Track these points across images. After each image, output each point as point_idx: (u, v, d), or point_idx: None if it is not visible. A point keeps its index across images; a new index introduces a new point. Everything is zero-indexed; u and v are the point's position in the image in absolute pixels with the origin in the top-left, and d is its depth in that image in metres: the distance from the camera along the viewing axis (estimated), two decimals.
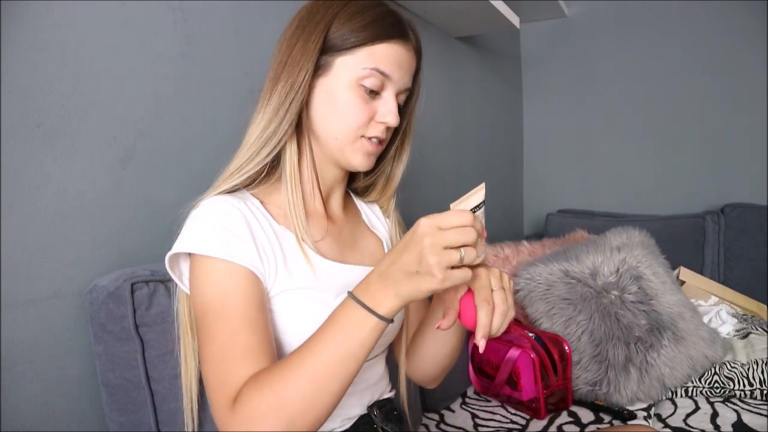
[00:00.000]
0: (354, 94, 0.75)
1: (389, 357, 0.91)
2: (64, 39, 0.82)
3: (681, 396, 1.46)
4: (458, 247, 0.58)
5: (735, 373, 1.45)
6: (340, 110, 0.76)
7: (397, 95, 0.78)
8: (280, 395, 0.60)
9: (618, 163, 2.54)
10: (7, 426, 0.75)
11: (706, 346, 1.48)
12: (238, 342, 0.66)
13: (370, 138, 0.77)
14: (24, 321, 0.78)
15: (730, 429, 1.28)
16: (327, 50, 0.75)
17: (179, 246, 0.71)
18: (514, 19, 1.92)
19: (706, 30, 2.34)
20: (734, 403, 1.40)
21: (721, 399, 1.43)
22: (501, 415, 1.42)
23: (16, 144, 0.77)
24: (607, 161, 2.56)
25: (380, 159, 0.87)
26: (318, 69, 0.76)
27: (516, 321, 1.54)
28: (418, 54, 0.80)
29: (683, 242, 2.15)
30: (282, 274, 0.73)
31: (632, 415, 1.35)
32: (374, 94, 0.76)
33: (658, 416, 1.38)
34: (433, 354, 0.87)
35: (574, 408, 1.42)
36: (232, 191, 0.76)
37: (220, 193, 0.75)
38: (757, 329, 1.69)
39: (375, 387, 0.84)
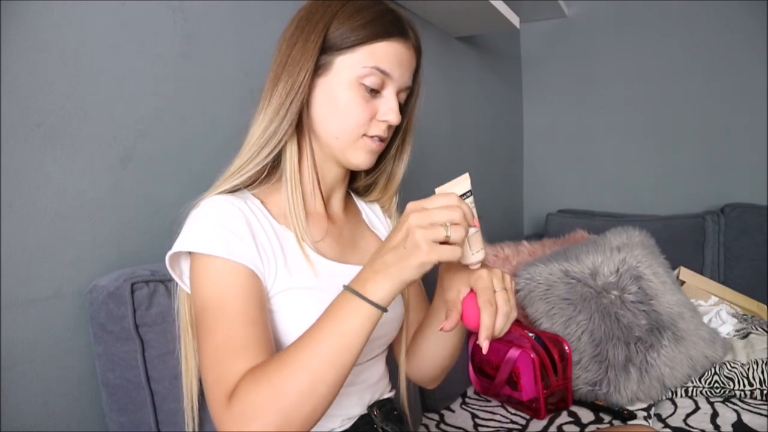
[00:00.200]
0: (355, 93, 0.75)
1: (389, 357, 0.91)
2: (64, 39, 0.82)
3: (681, 396, 1.46)
4: (445, 225, 0.59)
5: (735, 373, 1.45)
6: (341, 109, 0.76)
7: (398, 93, 0.78)
8: (276, 386, 0.60)
9: (618, 163, 2.54)
10: (7, 426, 0.75)
11: (706, 346, 1.48)
12: (236, 338, 0.66)
13: (371, 137, 0.77)
14: (24, 321, 0.78)
15: (730, 429, 1.28)
16: (327, 50, 0.75)
17: (180, 245, 0.71)
18: (514, 19, 1.92)
19: (706, 30, 2.34)
20: (734, 403, 1.40)
21: (721, 399, 1.43)
22: (501, 415, 1.42)
23: (16, 144, 0.77)
24: (607, 161, 2.56)
25: (381, 158, 0.87)
26: (318, 69, 0.76)
27: (516, 321, 1.54)
28: (417, 52, 0.80)
29: (683, 242, 2.15)
30: (282, 273, 0.73)
31: (632, 415, 1.35)
32: (375, 92, 0.76)
33: (658, 416, 1.38)
34: (433, 354, 0.87)
35: (574, 408, 1.42)
36: (232, 191, 0.77)
37: (220, 193, 0.75)
38: (757, 329, 1.69)
39: (375, 387, 0.84)
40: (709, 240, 2.16)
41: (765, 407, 1.35)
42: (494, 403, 1.48)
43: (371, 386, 0.83)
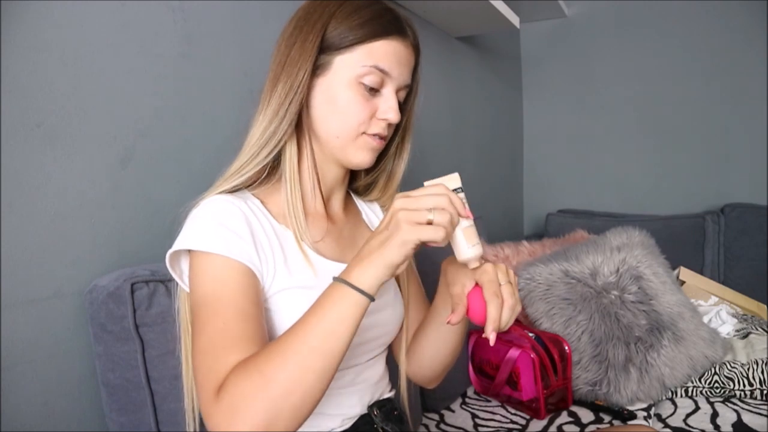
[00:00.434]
0: (354, 92, 0.75)
1: (389, 357, 0.91)
2: (64, 39, 0.82)
3: (681, 396, 1.46)
4: (429, 210, 0.60)
5: (735, 373, 1.45)
6: (341, 109, 0.76)
7: (397, 92, 0.78)
8: (265, 374, 0.59)
9: (618, 163, 2.54)
10: (7, 426, 0.75)
11: (706, 346, 1.48)
12: (229, 332, 0.65)
13: (371, 135, 0.77)
14: (24, 321, 0.78)
15: (730, 429, 1.28)
16: (325, 49, 0.75)
17: (179, 243, 0.71)
18: (514, 19, 1.92)
19: (706, 30, 2.34)
20: (734, 403, 1.40)
21: (721, 399, 1.43)
22: (501, 415, 1.42)
23: (16, 144, 0.77)
24: (607, 161, 2.56)
25: (381, 156, 0.87)
26: (317, 69, 0.76)
27: (516, 321, 1.54)
28: (416, 50, 0.80)
29: (683, 242, 2.15)
30: (282, 272, 0.73)
31: (632, 415, 1.35)
32: (374, 91, 0.76)
33: (658, 416, 1.38)
34: (434, 353, 0.87)
35: (574, 408, 1.42)
36: (232, 191, 0.77)
37: (220, 193, 0.75)
38: (757, 329, 1.69)
39: (375, 387, 0.84)
40: (709, 240, 2.16)
41: (765, 407, 1.35)
42: (494, 403, 1.48)
43: (371, 386, 0.83)
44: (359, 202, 0.93)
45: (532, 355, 1.36)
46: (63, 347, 0.82)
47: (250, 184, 0.78)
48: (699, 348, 1.47)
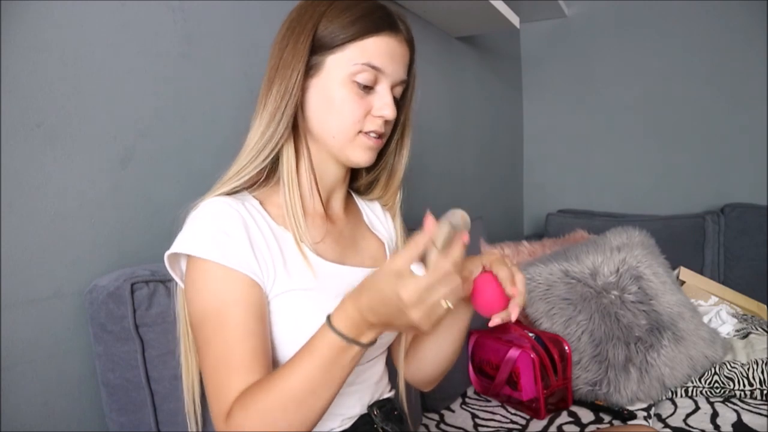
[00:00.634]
0: (348, 91, 0.75)
1: (388, 358, 0.91)
2: (64, 39, 0.82)
3: (681, 396, 1.46)
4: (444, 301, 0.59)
5: (735, 373, 1.45)
6: (336, 108, 0.75)
7: (393, 88, 0.78)
8: (265, 417, 0.63)
9: (618, 163, 2.54)
10: (7, 426, 0.75)
11: (706, 346, 1.48)
12: (233, 352, 0.67)
13: (368, 133, 0.77)
14: (24, 321, 0.78)
15: (730, 429, 1.28)
16: (317, 50, 0.75)
17: (177, 246, 0.71)
18: (514, 19, 1.92)
19: (706, 30, 2.34)
20: (734, 403, 1.40)
21: (721, 399, 1.43)
22: (501, 415, 1.42)
23: (16, 144, 0.76)
24: (607, 161, 2.56)
25: (381, 154, 0.86)
26: (310, 70, 0.76)
27: (516, 321, 1.54)
28: (410, 45, 0.80)
29: (683, 242, 2.15)
30: (281, 275, 0.73)
31: (632, 415, 1.35)
32: (368, 89, 0.76)
33: (658, 416, 1.38)
34: (433, 357, 0.87)
35: (574, 408, 1.42)
36: (231, 192, 0.76)
37: (219, 194, 0.75)
38: (757, 329, 1.69)
39: (375, 387, 0.84)
40: (709, 240, 2.16)
41: (765, 407, 1.35)
42: (494, 403, 1.48)
43: (371, 386, 0.83)
44: (360, 202, 0.93)
45: (532, 355, 1.36)
46: (63, 347, 0.82)
47: (249, 186, 0.78)
48: (699, 348, 1.47)
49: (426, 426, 1.36)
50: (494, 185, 2.45)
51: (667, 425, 1.33)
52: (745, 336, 1.66)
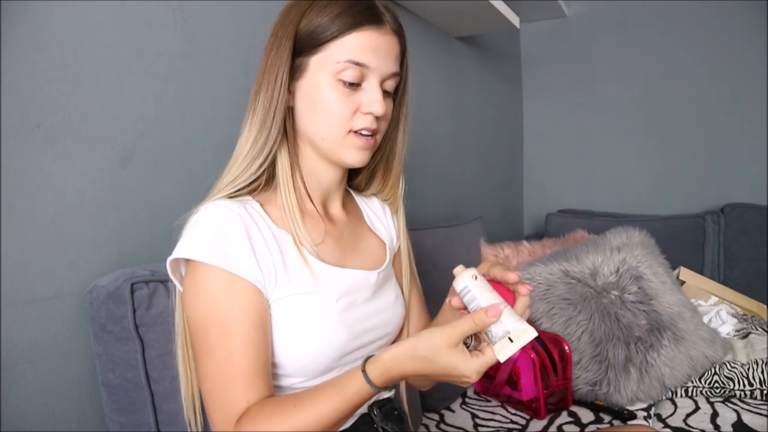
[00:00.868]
0: (333, 90, 0.74)
1: None
2: (64, 39, 0.82)
3: (681, 396, 1.46)
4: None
5: (735, 373, 1.45)
6: (323, 109, 0.74)
7: (383, 82, 0.76)
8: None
9: (618, 163, 2.54)
10: (7, 426, 0.75)
11: (706, 346, 1.48)
12: (236, 363, 0.68)
13: (358, 131, 0.75)
14: (24, 321, 0.78)
15: (730, 429, 1.28)
16: (300, 51, 0.74)
17: (178, 251, 0.71)
18: (514, 19, 1.92)
19: (706, 30, 2.34)
20: (734, 403, 1.40)
21: (721, 399, 1.43)
22: (501, 415, 1.42)
23: (16, 144, 0.76)
24: (607, 161, 2.56)
25: (378, 149, 0.85)
26: (295, 72, 0.75)
27: None
28: (398, 35, 0.77)
29: (683, 242, 2.15)
30: (282, 279, 0.73)
31: (632, 415, 1.35)
32: (355, 86, 0.74)
33: (658, 416, 1.38)
34: None
35: (574, 408, 1.42)
36: (233, 196, 0.76)
37: (220, 198, 0.75)
38: (757, 329, 1.69)
39: None
40: (709, 240, 2.16)
41: (765, 407, 1.35)
42: (494, 403, 1.48)
43: None
44: (359, 200, 0.93)
45: (532, 355, 1.36)
46: (63, 347, 0.82)
47: (250, 191, 0.78)
48: (699, 348, 1.47)
49: (426, 426, 1.36)
50: (494, 185, 2.45)
51: (667, 425, 1.32)
52: (745, 336, 1.66)
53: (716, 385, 1.45)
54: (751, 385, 1.42)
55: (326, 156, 0.78)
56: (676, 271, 1.93)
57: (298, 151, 0.79)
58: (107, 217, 0.88)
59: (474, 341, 0.68)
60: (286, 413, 0.65)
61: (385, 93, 0.76)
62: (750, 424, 1.28)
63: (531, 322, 1.54)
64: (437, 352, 0.63)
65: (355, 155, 0.77)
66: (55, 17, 0.81)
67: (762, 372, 1.43)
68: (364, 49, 0.73)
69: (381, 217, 0.93)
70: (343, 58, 0.72)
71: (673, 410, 1.40)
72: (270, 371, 0.71)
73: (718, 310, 1.79)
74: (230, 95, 1.09)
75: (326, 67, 0.73)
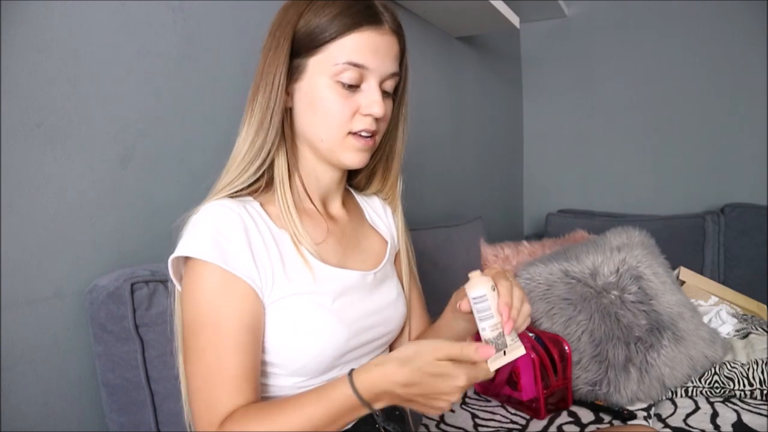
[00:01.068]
0: (332, 92, 0.73)
1: None
2: (64, 39, 0.82)
3: (681, 396, 1.46)
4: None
5: (735, 373, 1.44)
6: (322, 111, 0.74)
7: (383, 82, 0.75)
8: None
9: (618, 163, 2.54)
10: (7, 426, 0.75)
11: (706, 346, 1.48)
12: (225, 366, 0.68)
13: (357, 133, 0.75)
14: (24, 321, 0.78)
15: (730, 429, 1.28)
16: (298, 53, 0.74)
17: (177, 251, 0.71)
18: (514, 19, 1.92)
19: (706, 30, 2.34)
20: (734, 403, 1.40)
21: (721, 399, 1.43)
22: (501, 415, 1.42)
23: (16, 144, 0.77)
24: (607, 161, 2.56)
25: (377, 149, 0.85)
26: (293, 74, 0.75)
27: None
28: (397, 35, 0.76)
29: (683, 242, 2.15)
30: (281, 280, 0.73)
31: (632, 415, 1.35)
32: (354, 87, 0.74)
33: (658, 416, 1.38)
34: None
35: (574, 408, 1.42)
36: (233, 196, 0.76)
37: (221, 197, 0.75)
38: (757, 329, 1.68)
39: None
40: (709, 240, 2.16)
41: (765, 407, 1.35)
42: (494, 403, 1.48)
43: None
44: (360, 199, 0.93)
45: (532, 355, 1.36)
46: (63, 347, 0.82)
47: (250, 192, 0.77)
48: (699, 348, 1.46)
49: (426, 426, 1.36)
50: (494, 185, 2.45)
51: (667, 425, 1.32)
52: (745, 336, 1.66)
53: (716, 385, 1.45)
54: (751, 385, 1.42)
55: (325, 157, 0.78)
56: (676, 271, 1.93)
57: (296, 152, 0.79)
58: (107, 217, 0.88)
59: None
60: (270, 419, 0.64)
61: (384, 93, 0.76)
62: (750, 424, 1.28)
63: (531, 322, 1.55)
64: (425, 357, 0.61)
65: (354, 157, 0.77)
66: (55, 17, 0.81)
67: (762, 372, 1.43)
68: (362, 50, 0.72)
69: (382, 216, 0.93)
70: (341, 59, 0.72)
71: (673, 410, 1.40)
72: (258, 375, 0.71)
73: (718, 310, 1.79)
74: (230, 95, 1.09)
75: (325, 68, 0.73)
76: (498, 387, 1.44)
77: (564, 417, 1.37)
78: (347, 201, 0.89)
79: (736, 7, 2.28)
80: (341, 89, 0.73)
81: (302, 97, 0.75)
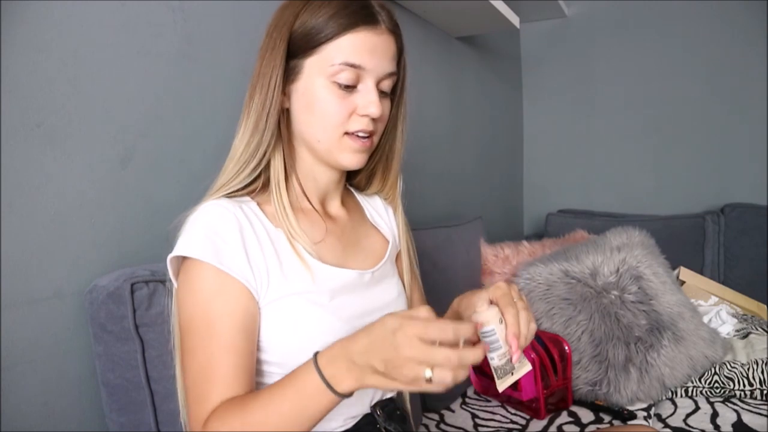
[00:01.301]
0: (328, 93, 0.73)
1: None
2: (64, 39, 0.82)
3: (681, 396, 1.46)
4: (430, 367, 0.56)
5: (735, 373, 1.45)
6: (318, 112, 0.74)
7: (380, 82, 0.75)
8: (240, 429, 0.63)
9: (618, 163, 2.54)
10: (7, 426, 0.75)
11: (706, 346, 1.48)
12: (216, 365, 0.67)
13: (354, 133, 0.75)
14: (24, 321, 0.78)
15: (730, 429, 1.28)
16: (295, 54, 0.74)
17: (174, 250, 0.71)
18: (514, 19, 1.92)
19: (706, 30, 2.34)
20: (734, 403, 1.40)
21: (721, 399, 1.43)
22: (501, 415, 1.42)
23: (16, 144, 0.77)
24: (607, 161, 2.56)
25: (376, 149, 0.85)
26: (290, 74, 0.75)
27: None
28: (394, 35, 0.76)
29: (683, 242, 2.15)
30: (277, 280, 0.73)
31: (632, 415, 1.35)
32: (351, 88, 0.73)
33: (658, 416, 1.38)
34: None
35: (574, 408, 1.42)
36: (230, 196, 0.76)
37: (218, 197, 0.75)
38: (757, 329, 1.69)
39: None
40: (709, 240, 2.16)
41: (765, 407, 1.35)
42: (494, 403, 1.48)
43: None
44: (360, 198, 0.93)
45: (532, 355, 1.36)
46: (63, 347, 0.82)
47: (248, 193, 0.77)
48: (699, 348, 1.47)
49: (426, 426, 1.36)
50: (494, 185, 2.45)
51: (667, 425, 1.32)
52: (745, 336, 1.66)
53: (716, 385, 1.45)
54: (751, 385, 1.42)
55: (323, 158, 0.78)
56: (676, 271, 1.93)
57: (294, 152, 0.79)
58: (107, 217, 0.88)
59: None
60: (247, 409, 0.64)
61: (382, 93, 0.76)
62: (750, 424, 1.28)
63: None
64: (384, 321, 0.58)
65: (352, 158, 0.77)
66: (55, 17, 0.81)
67: (762, 372, 1.43)
68: (359, 50, 0.72)
69: (383, 215, 0.93)
70: (338, 60, 0.72)
71: (673, 410, 1.40)
72: (253, 375, 0.71)
73: (718, 310, 1.79)
74: (230, 95, 1.09)
75: (321, 69, 0.73)
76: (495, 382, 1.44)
77: (564, 417, 1.37)
78: (347, 200, 0.89)
79: (736, 7, 2.28)
80: (338, 90, 0.73)
81: (299, 97, 0.75)
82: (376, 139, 0.78)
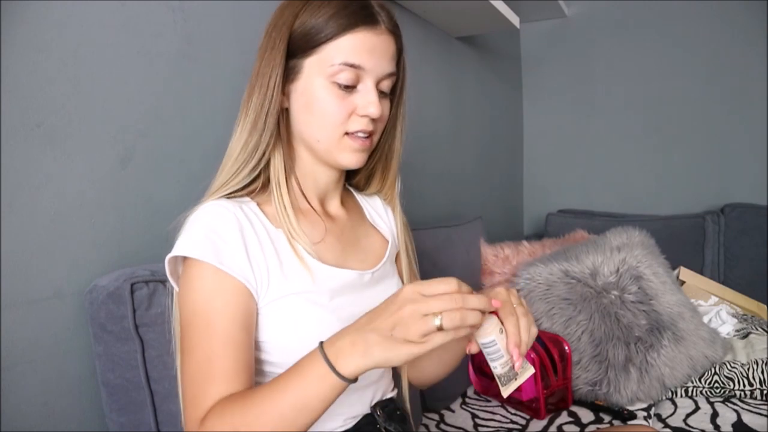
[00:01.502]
0: (328, 93, 0.73)
1: None
2: (64, 39, 0.82)
3: (681, 396, 1.46)
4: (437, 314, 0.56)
5: (735, 373, 1.45)
6: (318, 112, 0.74)
7: (379, 82, 0.75)
8: (239, 426, 0.61)
9: (618, 163, 2.54)
10: (7, 426, 0.75)
11: (706, 346, 1.48)
12: (215, 363, 0.67)
13: (353, 134, 0.75)
14: (24, 321, 0.78)
15: (730, 429, 1.28)
16: (294, 54, 0.74)
17: (174, 251, 0.71)
18: (514, 19, 1.92)
19: (706, 30, 2.34)
20: (734, 403, 1.40)
21: (721, 399, 1.43)
22: (501, 415, 1.42)
23: (16, 144, 0.77)
24: (607, 161, 2.56)
25: (375, 149, 0.85)
26: (289, 74, 0.75)
27: None
28: (393, 35, 0.76)
29: (683, 242, 2.15)
30: (277, 279, 0.73)
31: (632, 415, 1.35)
32: (350, 88, 0.73)
33: (658, 416, 1.38)
34: (434, 369, 0.88)
35: (574, 408, 1.42)
36: (230, 196, 0.76)
37: (218, 197, 0.75)
38: (757, 329, 1.69)
39: (376, 385, 0.83)
40: (709, 240, 2.16)
41: (765, 407, 1.35)
42: (494, 403, 1.48)
43: (372, 384, 0.83)
44: (360, 198, 0.93)
45: (532, 355, 1.36)
46: (63, 347, 0.82)
47: (247, 193, 0.77)
48: (699, 348, 1.47)
49: (426, 426, 1.36)
50: (494, 185, 2.45)
51: (667, 425, 1.33)
52: (745, 336, 1.66)
53: (716, 385, 1.45)
54: (751, 385, 1.42)
55: (322, 158, 0.78)
56: (676, 271, 1.93)
57: (293, 152, 0.79)
58: (107, 217, 0.88)
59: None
60: (248, 402, 0.63)
61: (381, 93, 0.76)
62: (750, 424, 1.28)
63: None
64: (389, 298, 0.60)
65: (351, 157, 0.77)
66: (55, 17, 0.81)
67: (762, 372, 1.43)
68: (358, 50, 0.72)
69: (383, 216, 0.93)
70: (337, 60, 0.72)
71: (673, 410, 1.40)
72: (252, 374, 0.70)
73: (718, 310, 1.79)
74: (230, 95, 1.09)
75: (321, 69, 0.73)
76: (498, 387, 1.44)
77: (564, 417, 1.37)
78: (347, 200, 0.89)
79: (736, 7, 2.28)
80: (337, 90, 0.73)
81: (298, 97, 0.75)
82: (375, 138, 0.79)
